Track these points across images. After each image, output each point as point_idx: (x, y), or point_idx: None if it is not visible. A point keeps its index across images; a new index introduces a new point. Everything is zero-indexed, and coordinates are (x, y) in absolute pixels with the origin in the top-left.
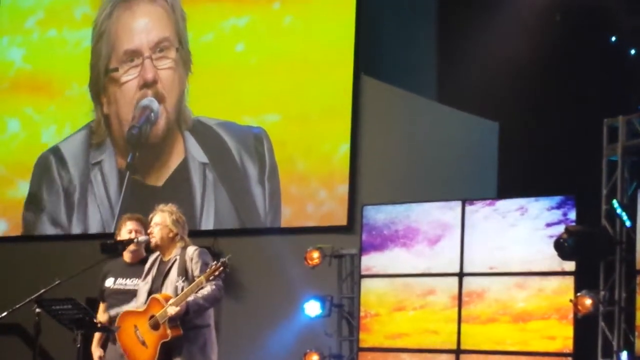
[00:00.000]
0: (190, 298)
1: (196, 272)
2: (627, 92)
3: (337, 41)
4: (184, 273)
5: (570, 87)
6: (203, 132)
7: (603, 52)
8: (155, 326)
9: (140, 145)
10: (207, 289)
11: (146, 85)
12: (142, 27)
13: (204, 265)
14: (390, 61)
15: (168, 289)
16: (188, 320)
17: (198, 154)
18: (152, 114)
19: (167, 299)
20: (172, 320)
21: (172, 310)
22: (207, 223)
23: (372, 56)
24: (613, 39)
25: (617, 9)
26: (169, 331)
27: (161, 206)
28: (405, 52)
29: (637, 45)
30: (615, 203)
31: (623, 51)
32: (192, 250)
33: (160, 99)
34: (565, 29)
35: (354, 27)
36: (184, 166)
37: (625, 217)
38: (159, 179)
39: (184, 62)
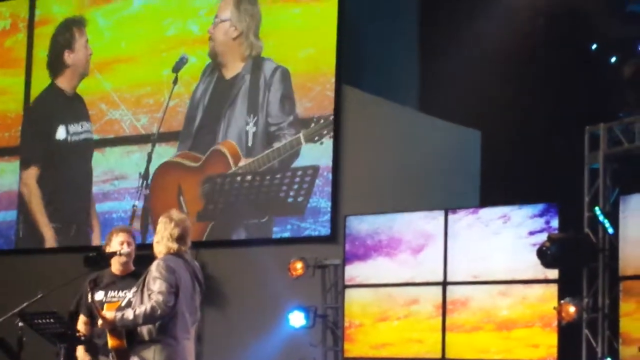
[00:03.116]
0: (120, 313)
1: (150, 285)
2: (608, 100)
3: (319, 50)
4: (141, 284)
5: (551, 96)
6: None
7: (584, 60)
8: None
9: None
10: (142, 306)
11: None
12: None
13: (154, 279)
14: (372, 71)
15: None
16: (129, 332)
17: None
18: None
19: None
20: (110, 331)
21: (100, 321)
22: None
23: (354, 66)
24: (594, 46)
25: (597, 17)
26: (110, 340)
27: None
28: (387, 61)
29: (618, 53)
30: (597, 210)
31: (604, 59)
32: (155, 261)
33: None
34: (547, 37)
35: (336, 37)
36: None
37: (607, 224)
38: None
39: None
